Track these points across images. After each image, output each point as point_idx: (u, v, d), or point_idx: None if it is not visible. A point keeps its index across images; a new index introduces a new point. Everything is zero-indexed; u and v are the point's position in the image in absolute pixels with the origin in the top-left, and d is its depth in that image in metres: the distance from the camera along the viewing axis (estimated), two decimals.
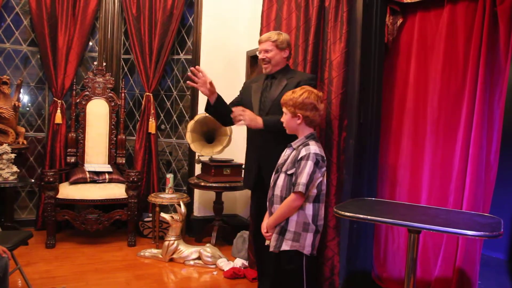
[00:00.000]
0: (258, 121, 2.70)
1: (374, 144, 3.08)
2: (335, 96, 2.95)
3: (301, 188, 2.22)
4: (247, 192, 4.17)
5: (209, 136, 4.31)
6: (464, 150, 2.62)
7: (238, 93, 3.17)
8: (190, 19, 4.78)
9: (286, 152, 2.43)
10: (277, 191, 2.35)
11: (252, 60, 4.54)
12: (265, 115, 2.81)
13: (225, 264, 3.64)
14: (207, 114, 4.16)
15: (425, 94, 2.92)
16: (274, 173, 2.46)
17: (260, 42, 2.94)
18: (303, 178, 2.23)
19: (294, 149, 2.37)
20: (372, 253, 3.17)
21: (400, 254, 3.04)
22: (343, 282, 2.99)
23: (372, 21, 3.01)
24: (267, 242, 2.47)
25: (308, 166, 2.24)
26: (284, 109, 2.40)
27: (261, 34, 3.50)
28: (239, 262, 3.64)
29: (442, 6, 2.80)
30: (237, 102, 3.07)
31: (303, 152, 2.28)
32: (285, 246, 2.31)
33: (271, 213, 2.41)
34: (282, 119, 2.44)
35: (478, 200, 2.56)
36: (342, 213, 1.89)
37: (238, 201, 4.81)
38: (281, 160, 2.44)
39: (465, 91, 2.65)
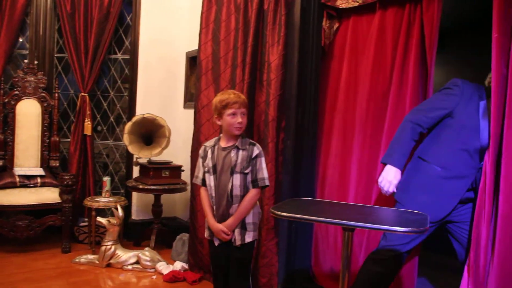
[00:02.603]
0: None
1: (312, 145, 3.15)
2: (273, 98, 2.99)
3: (267, 182, 2.46)
4: (186, 194, 4.12)
5: (147, 138, 4.22)
6: None
7: (453, 94, 2.37)
8: (128, 18, 4.67)
9: (231, 153, 2.45)
10: (236, 191, 2.43)
11: (192, 61, 4.50)
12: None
13: (164, 267, 3.58)
14: (145, 115, 4.09)
15: (354, 96, 3.04)
16: (217, 175, 2.47)
17: None
18: (265, 173, 2.46)
19: (240, 149, 2.44)
20: (311, 252, 3.24)
21: (331, 251, 3.14)
22: (282, 282, 3.03)
23: (309, 25, 3.08)
24: (217, 243, 2.51)
25: (264, 162, 2.48)
26: (245, 110, 2.46)
27: (200, 35, 3.48)
28: (178, 265, 3.60)
29: (374, 11, 2.92)
30: (443, 113, 2.38)
31: (256, 151, 2.46)
32: (248, 238, 2.48)
33: (226, 215, 2.46)
34: (244, 120, 2.43)
35: None
36: (279, 213, 1.92)
37: (178, 203, 4.75)
38: (231, 163, 2.44)
39: (391, 93, 2.78)
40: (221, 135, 2.57)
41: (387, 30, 2.82)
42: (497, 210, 2.09)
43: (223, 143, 2.51)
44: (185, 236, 3.85)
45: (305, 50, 3.06)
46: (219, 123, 2.48)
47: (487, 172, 2.14)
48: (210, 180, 2.49)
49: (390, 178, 2.37)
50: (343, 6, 2.99)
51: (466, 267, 2.23)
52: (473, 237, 2.18)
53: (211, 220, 2.50)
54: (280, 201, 2.94)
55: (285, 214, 1.92)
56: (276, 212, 1.92)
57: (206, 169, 2.52)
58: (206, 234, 2.59)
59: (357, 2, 2.93)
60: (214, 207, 2.49)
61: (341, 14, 3.13)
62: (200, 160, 2.58)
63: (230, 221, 2.44)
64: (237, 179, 2.43)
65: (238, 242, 2.46)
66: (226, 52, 3.35)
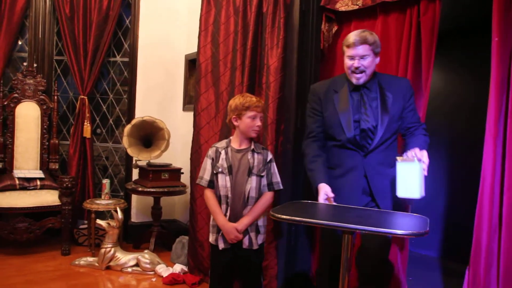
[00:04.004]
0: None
1: None
2: (272, 100, 2.99)
3: (281, 185, 2.58)
4: (186, 197, 4.13)
5: (147, 141, 4.23)
6: None
7: (311, 105, 2.55)
8: (127, 21, 4.68)
9: (248, 155, 2.51)
10: (252, 193, 2.50)
11: (191, 63, 4.51)
12: (375, 137, 2.34)
13: (164, 270, 3.58)
14: (144, 118, 4.09)
15: None
16: (233, 176, 2.49)
17: (351, 45, 2.27)
18: (278, 177, 2.58)
19: (256, 152, 2.52)
20: (311, 255, 3.24)
21: None
22: (281, 285, 3.03)
23: (308, 28, 3.09)
24: (221, 246, 2.51)
25: (275, 166, 2.59)
26: (263, 115, 2.54)
27: (199, 38, 3.48)
28: (178, 268, 3.60)
29: (376, 16, 2.92)
30: (319, 120, 2.50)
31: (270, 155, 2.57)
32: (260, 240, 2.56)
33: (238, 216, 2.50)
34: (261, 124, 2.52)
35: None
36: (278, 216, 1.92)
37: (177, 206, 4.75)
38: (248, 164, 2.50)
39: None
40: (231, 137, 2.61)
41: (390, 35, 2.82)
42: (501, 213, 2.11)
43: (235, 145, 2.55)
44: (184, 238, 3.86)
45: (304, 52, 3.06)
46: (236, 123, 2.51)
47: (484, 175, 2.15)
48: (226, 180, 2.50)
49: (320, 198, 2.30)
50: (343, 9, 3.00)
51: (466, 270, 2.24)
52: (474, 239, 2.19)
53: (222, 219, 2.49)
54: (280, 204, 2.94)
55: (284, 217, 1.92)
56: (276, 215, 1.92)
57: (219, 169, 2.51)
58: (212, 238, 2.57)
59: (357, 5, 2.93)
60: (229, 208, 2.50)
61: (340, 17, 3.14)
62: (208, 161, 2.56)
63: (245, 220, 2.47)
64: (253, 181, 2.49)
65: (255, 246, 2.53)
66: (225, 54, 3.36)
